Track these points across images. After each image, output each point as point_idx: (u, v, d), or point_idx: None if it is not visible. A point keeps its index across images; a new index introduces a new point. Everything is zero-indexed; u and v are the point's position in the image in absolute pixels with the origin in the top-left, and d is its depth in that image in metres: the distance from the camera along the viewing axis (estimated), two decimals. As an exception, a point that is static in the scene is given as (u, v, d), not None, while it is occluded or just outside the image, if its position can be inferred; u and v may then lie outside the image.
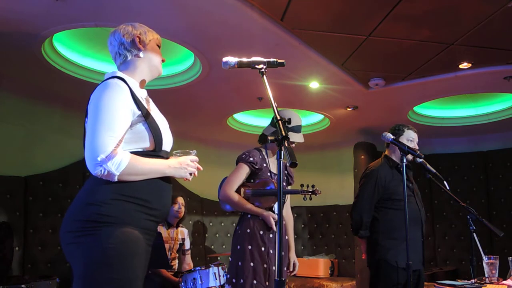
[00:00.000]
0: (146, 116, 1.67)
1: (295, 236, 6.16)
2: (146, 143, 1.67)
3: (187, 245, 4.09)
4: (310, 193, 2.74)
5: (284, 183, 2.88)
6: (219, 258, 5.24)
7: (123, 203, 1.57)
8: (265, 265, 2.60)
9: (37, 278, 3.34)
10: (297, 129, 2.76)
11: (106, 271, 1.50)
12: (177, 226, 4.01)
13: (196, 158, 1.78)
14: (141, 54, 1.78)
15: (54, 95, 4.21)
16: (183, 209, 4.00)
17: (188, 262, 4.09)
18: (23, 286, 2.96)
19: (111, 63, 3.76)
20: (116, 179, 1.55)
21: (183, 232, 4.06)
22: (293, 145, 2.71)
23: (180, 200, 3.96)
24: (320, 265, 5.64)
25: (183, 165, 1.71)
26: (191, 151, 1.78)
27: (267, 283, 2.59)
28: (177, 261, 4.03)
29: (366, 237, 2.91)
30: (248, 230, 2.66)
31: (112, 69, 1.84)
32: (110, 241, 1.51)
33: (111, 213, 1.54)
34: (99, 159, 1.51)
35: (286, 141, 1.47)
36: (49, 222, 4.01)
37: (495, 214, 5.43)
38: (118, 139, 1.57)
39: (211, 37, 3.12)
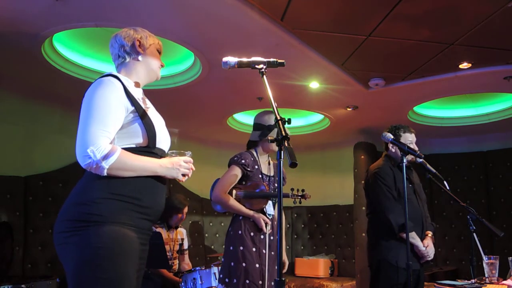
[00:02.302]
0: (140, 112, 1.67)
1: (295, 236, 6.18)
2: (139, 139, 1.66)
3: (186, 245, 4.10)
4: (300, 197, 2.84)
5: (276, 184, 2.88)
6: (219, 258, 5.24)
7: (113, 201, 1.56)
8: (257, 265, 2.63)
9: (37, 278, 3.34)
10: None
11: (96, 270, 1.49)
12: (176, 227, 4.02)
13: (190, 159, 1.76)
14: (140, 58, 1.80)
15: (54, 95, 4.21)
16: (185, 217, 4.04)
17: (187, 262, 4.10)
18: (23, 286, 2.96)
19: (111, 63, 3.72)
20: (105, 172, 1.54)
21: (182, 233, 4.08)
22: None
23: (186, 209, 3.99)
24: (320, 265, 5.63)
25: (175, 166, 1.70)
26: (186, 152, 1.76)
27: (260, 282, 2.62)
28: (177, 261, 4.04)
29: (403, 234, 2.66)
30: (240, 232, 2.69)
31: (112, 69, 1.85)
32: (99, 240, 1.50)
33: (100, 212, 1.53)
34: (88, 151, 1.51)
35: (286, 141, 1.47)
36: (49, 222, 4.00)
37: (495, 214, 5.43)
38: (110, 133, 1.57)
39: (211, 37, 3.12)
